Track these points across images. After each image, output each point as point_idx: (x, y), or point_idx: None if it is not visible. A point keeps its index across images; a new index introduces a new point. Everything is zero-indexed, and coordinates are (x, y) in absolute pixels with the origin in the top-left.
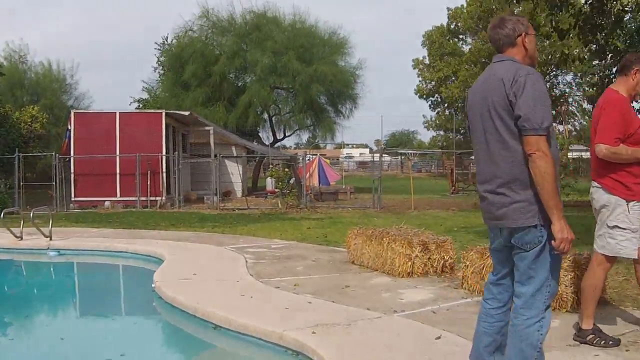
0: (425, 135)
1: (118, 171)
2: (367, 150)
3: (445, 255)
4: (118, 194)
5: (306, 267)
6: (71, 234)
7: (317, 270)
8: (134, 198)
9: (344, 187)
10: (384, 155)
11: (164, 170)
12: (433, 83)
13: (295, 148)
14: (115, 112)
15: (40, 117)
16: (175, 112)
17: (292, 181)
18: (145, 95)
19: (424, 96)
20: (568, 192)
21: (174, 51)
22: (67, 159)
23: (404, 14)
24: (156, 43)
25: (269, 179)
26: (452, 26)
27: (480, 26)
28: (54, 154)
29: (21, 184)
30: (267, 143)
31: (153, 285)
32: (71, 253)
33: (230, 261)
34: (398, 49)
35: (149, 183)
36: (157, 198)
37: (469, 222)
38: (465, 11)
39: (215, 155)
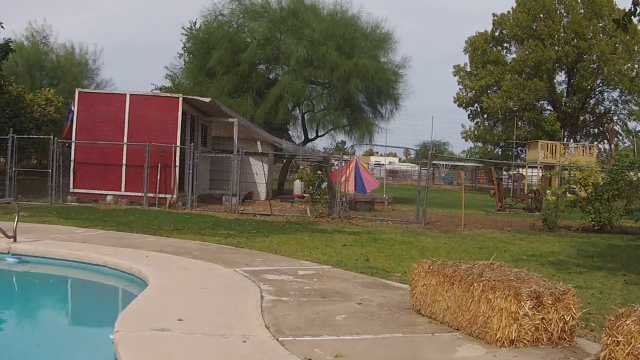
0: (457, 147)
1: (125, 162)
2: (396, 159)
3: (566, 315)
4: (123, 188)
5: (350, 315)
6: (48, 234)
7: (368, 324)
8: (140, 194)
9: (384, 196)
10: (413, 165)
11: (177, 164)
12: (473, 92)
13: (323, 153)
14: (126, 94)
15: (56, 100)
16: (194, 97)
17: (324, 186)
18: (168, 83)
19: (464, 105)
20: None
21: (200, 36)
22: (67, 145)
23: (444, 19)
24: (183, 28)
25: (297, 182)
26: (496, 33)
27: (527, 34)
28: (52, 137)
29: (14, 169)
30: (297, 142)
31: (111, 337)
32: (35, 261)
33: (239, 295)
34: (437, 58)
35: (158, 177)
36: (167, 195)
37: (536, 248)
38: (511, 18)
39: (238, 151)
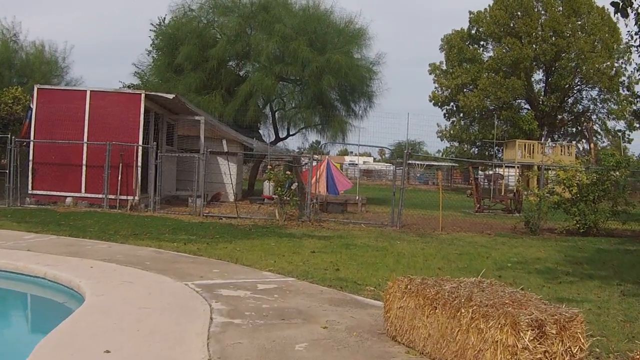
0: (432, 147)
1: (85, 162)
2: (370, 159)
3: (574, 346)
4: (83, 189)
5: (313, 343)
6: None
7: (333, 356)
8: (101, 195)
9: (358, 197)
10: (387, 165)
11: (140, 164)
12: (449, 90)
13: (297, 152)
14: (86, 90)
15: (24, 99)
16: (157, 94)
17: (293, 187)
18: (136, 81)
19: (439, 104)
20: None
21: (168, 32)
22: (26, 144)
23: (420, 18)
24: (152, 24)
25: (266, 182)
26: (472, 31)
27: (504, 32)
28: (9, 136)
29: None
30: (268, 141)
31: None
32: None
33: (185, 317)
34: (411, 58)
35: (120, 178)
36: (129, 197)
37: (520, 254)
38: (488, 16)
39: (203, 151)
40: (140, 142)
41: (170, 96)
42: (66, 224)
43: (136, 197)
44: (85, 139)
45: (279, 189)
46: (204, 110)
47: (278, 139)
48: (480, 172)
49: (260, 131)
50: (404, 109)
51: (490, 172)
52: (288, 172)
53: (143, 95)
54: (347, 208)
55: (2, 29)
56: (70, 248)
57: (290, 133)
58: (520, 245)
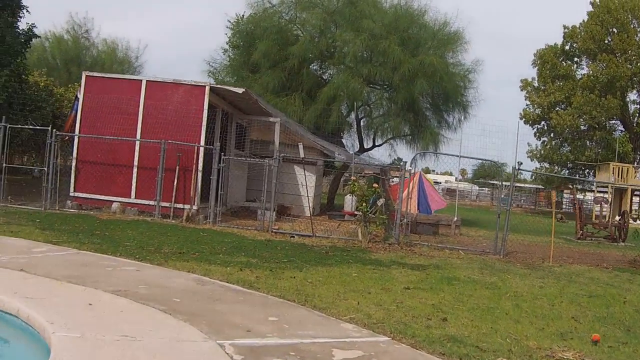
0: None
1: (136, 162)
2: (452, 178)
3: None
4: (133, 194)
5: None
6: None
7: None
8: (152, 202)
9: (454, 218)
10: (472, 184)
11: (201, 167)
12: (541, 108)
13: (391, 163)
14: (142, 80)
15: None
16: (224, 87)
17: (380, 202)
18: (210, 80)
19: (530, 122)
20: None
21: (245, 28)
22: (67, 138)
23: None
24: (229, 21)
25: (348, 196)
26: (566, 47)
27: (600, 48)
28: (49, 129)
29: (4, 165)
30: (351, 152)
31: None
32: None
33: None
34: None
35: (175, 183)
36: (186, 206)
37: None
38: (583, 31)
39: (275, 156)
40: (202, 143)
41: (240, 90)
42: (101, 234)
43: (194, 207)
44: (139, 136)
45: (364, 204)
46: (282, 112)
47: (363, 150)
48: (564, 196)
49: (343, 140)
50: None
51: (599, 196)
52: (375, 185)
53: (208, 88)
54: (439, 230)
55: (73, 24)
56: (82, 270)
57: (377, 143)
58: None
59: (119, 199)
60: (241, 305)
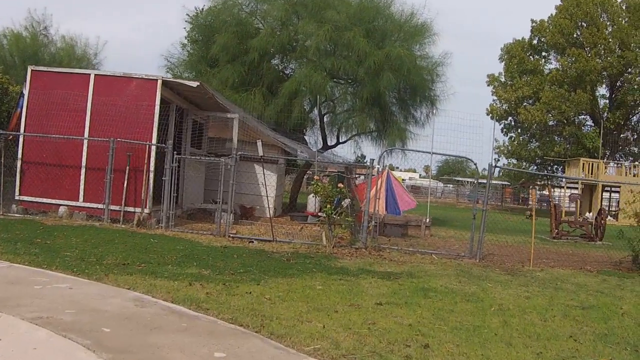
0: (480, 164)
1: (84, 163)
2: (416, 175)
3: None
4: (81, 197)
5: None
6: None
7: None
8: (101, 206)
9: (425, 219)
10: (435, 181)
11: (153, 168)
12: (509, 104)
13: (356, 160)
14: (90, 74)
15: None
16: (177, 80)
17: (345, 203)
18: (168, 76)
19: (497, 118)
20: None
21: (203, 21)
22: (11, 138)
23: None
24: (188, 15)
25: (311, 197)
26: (534, 41)
27: (569, 42)
28: None
29: None
30: (314, 150)
31: None
32: None
33: None
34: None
35: (126, 185)
36: (137, 210)
37: None
38: (551, 25)
39: (231, 155)
40: (154, 141)
41: (194, 84)
42: (41, 243)
43: (146, 210)
44: (87, 135)
45: (328, 205)
46: (242, 108)
47: (326, 147)
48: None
49: (306, 137)
50: (456, 122)
51: (574, 193)
52: (340, 185)
53: (160, 82)
54: (409, 231)
55: (32, 21)
56: (7, 289)
57: (340, 140)
58: None
59: (67, 202)
60: (183, 335)
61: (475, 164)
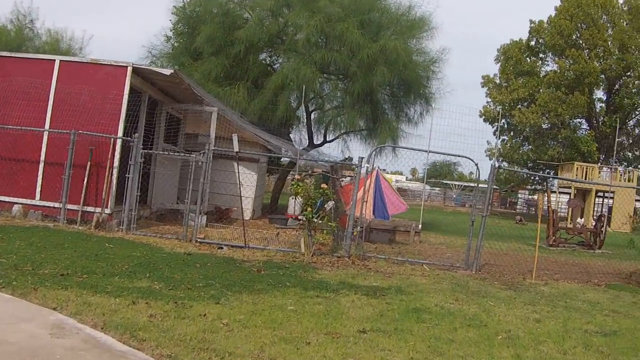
0: (467, 167)
1: (43, 157)
2: (402, 177)
3: None
4: (38, 195)
5: None
6: None
7: None
8: (58, 205)
9: (414, 224)
10: (421, 184)
11: (117, 164)
12: (503, 105)
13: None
14: (55, 60)
15: None
16: (149, 68)
17: (328, 206)
18: None
19: (490, 120)
20: None
21: (188, 11)
22: None
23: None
24: (174, 6)
25: (292, 198)
26: (532, 42)
27: (568, 43)
28: None
29: None
30: (300, 148)
31: None
32: None
33: None
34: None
35: (86, 182)
36: (97, 210)
37: None
38: (551, 25)
39: (203, 152)
40: (120, 134)
41: (168, 72)
42: None
43: (107, 210)
44: (47, 126)
45: (309, 208)
46: (226, 104)
47: (312, 145)
48: (519, 197)
49: (292, 135)
50: (444, 127)
51: (573, 200)
52: (323, 186)
53: (130, 69)
54: (397, 237)
55: (17, 14)
56: None
57: (328, 139)
58: None
59: (22, 200)
60: None
61: (476, 164)
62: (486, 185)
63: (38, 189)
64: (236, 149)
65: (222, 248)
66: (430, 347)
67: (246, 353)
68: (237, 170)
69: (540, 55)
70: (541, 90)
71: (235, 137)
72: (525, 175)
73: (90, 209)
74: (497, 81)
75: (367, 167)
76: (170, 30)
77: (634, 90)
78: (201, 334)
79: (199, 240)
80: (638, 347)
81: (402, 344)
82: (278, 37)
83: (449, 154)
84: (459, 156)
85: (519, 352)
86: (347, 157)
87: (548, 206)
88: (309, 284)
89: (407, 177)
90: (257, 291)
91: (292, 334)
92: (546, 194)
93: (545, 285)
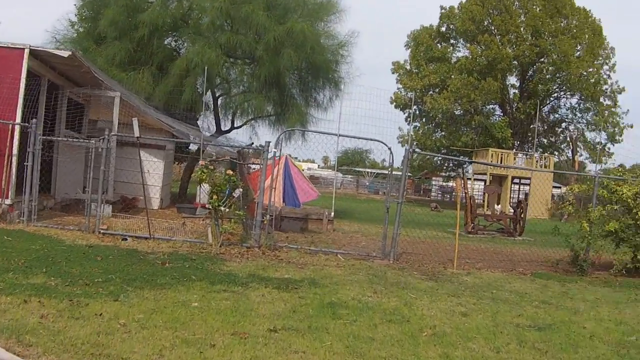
0: (379, 155)
1: None
2: (315, 165)
3: None
4: None
5: None
6: None
7: None
8: None
9: (327, 211)
10: (336, 172)
11: (16, 151)
12: (412, 92)
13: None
14: None
15: None
16: (46, 50)
17: (237, 194)
18: None
19: (401, 107)
20: None
21: None
22: None
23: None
24: None
25: (199, 186)
26: (443, 28)
27: (480, 29)
28: None
29: None
30: (208, 135)
31: None
32: None
33: None
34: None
35: None
36: None
37: (625, 321)
38: (462, 11)
39: (102, 138)
40: (19, 120)
41: (66, 54)
42: None
43: (7, 201)
44: None
45: (215, 196)
46: (130, 90)
47: (220, 132)
48: (433, 183)
49: (199, 122)
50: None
51: (491, 186)
52: (229, 172)
53: (27, 51)
54: (309, 225)
55: None
56: None
57: (236, 125)
58: (602, 301)
59: None
60: None
61: (389, 148)
62: (400, 173)
63: None
64: (137, 134)
65: (126, 239)
66: (349, 348)
67: (143, 359)
68: (139, 157)
69: (452, 41)
70: (453, 77)
71: (135, 122)
72: (439, 162)
73: None
74: (408, 67)
75: (275, 152)
76: (75, 15)
77: (547, 77)
78: (95, 337)
79: (102, 231)
80: (577, 342)
81: (317, 344)
82: (183, 20)
83: (360, 138)
84: (371, 140)
85: (447, 351)
86: (254, 143)
87: (465, 192)
88: (216, 277)
89: (319, 165)
90: (160, 286)
91: (196, 334)
92: (463, 180)
93: (468, 274)
